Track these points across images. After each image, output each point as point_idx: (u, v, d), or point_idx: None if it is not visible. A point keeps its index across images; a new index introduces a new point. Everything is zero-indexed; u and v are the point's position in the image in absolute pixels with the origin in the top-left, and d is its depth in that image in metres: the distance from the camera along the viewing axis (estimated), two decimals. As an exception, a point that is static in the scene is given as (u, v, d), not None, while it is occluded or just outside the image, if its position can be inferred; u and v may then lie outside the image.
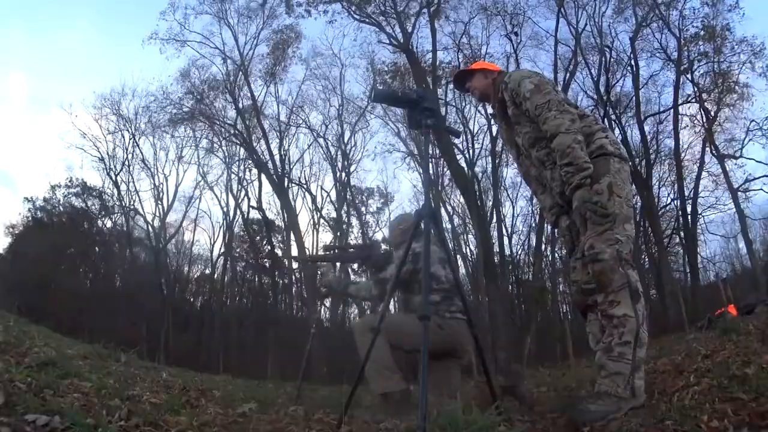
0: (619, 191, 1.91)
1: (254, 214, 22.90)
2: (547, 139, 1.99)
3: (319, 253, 3.30)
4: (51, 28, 37.00)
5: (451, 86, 15.62)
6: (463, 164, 15.63)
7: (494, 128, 16.03)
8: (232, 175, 22.36)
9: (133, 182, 22.38)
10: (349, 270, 10.78)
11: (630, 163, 2.16)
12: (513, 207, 21.89)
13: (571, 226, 2.09)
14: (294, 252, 21.85)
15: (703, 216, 19.45)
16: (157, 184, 22.63)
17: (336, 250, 3.16)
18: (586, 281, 1.91)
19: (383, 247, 3.00)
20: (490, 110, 2.40)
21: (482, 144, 18.89)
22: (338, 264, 3.05)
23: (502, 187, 19.77)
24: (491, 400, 2.09)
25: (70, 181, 22.91)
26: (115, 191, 22.28)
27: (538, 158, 2.12)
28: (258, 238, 23.36)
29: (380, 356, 2.30)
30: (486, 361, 2.28)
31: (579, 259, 1.99)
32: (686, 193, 17.77)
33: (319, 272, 3.08)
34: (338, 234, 21.69)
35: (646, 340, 1.78)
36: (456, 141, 14.87)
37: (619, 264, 1.82)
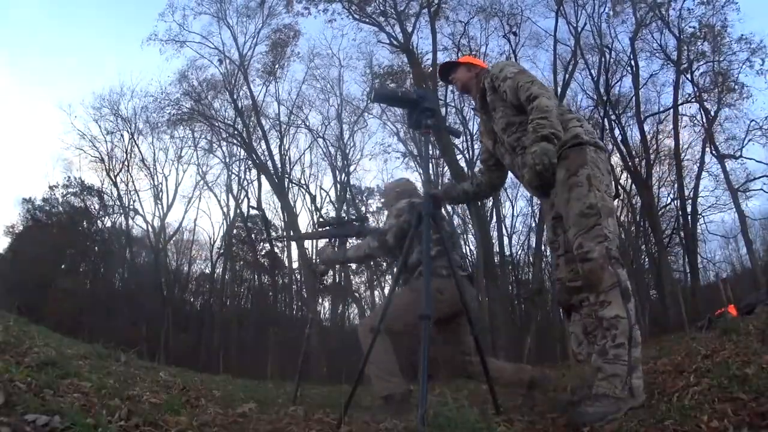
0: (599, 184, 1.86)
1: (254, 215, 22.97)
2: (517, 124, 2.00)
3: (315, 230, 3.29)
4: (50, 28, 36.98)
5: (451, 87, 15.60)
6: (463, 164, 15.62)
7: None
8: (232, 176, 22.42)
9: (132, 182, 22.37)
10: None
11: (607, 153, 2.09)
12: (513, 207, 21.87)
13: (555, 225, 2.03)
14: (294, 253, 21.94)
15: (703, 216, 19.51)
16: (156, 183, 22.65)
17: (329, 226, 3.14)
18: (570, 279, 1.87)
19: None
20: (473, 105, 2.43)
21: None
22: (336, 241, 3.04)
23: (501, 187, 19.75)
24: (492, 401, 2.10)
25: (68, 181, 22.94)
26: (115, 191, 22.29)
27: (510, 144, 2.10)
28: (253, 235, 23.38)
29: (384, 358, 2.28)
30: (486, 362, 2.29)
31: (562, 256, 1.95)
32: (686, 193, 17.80)
33: (315, 259, 3.12)
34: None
35: (639, 339, 1.75)
36: (456, 141, 14.88)
37: (609, 262, 1.77)
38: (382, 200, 3.12)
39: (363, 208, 23.85)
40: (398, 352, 2.39)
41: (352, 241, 3.05)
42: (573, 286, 1.86)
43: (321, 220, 3.39)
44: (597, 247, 1.78)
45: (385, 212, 2.74)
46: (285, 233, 22.73)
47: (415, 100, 2.00)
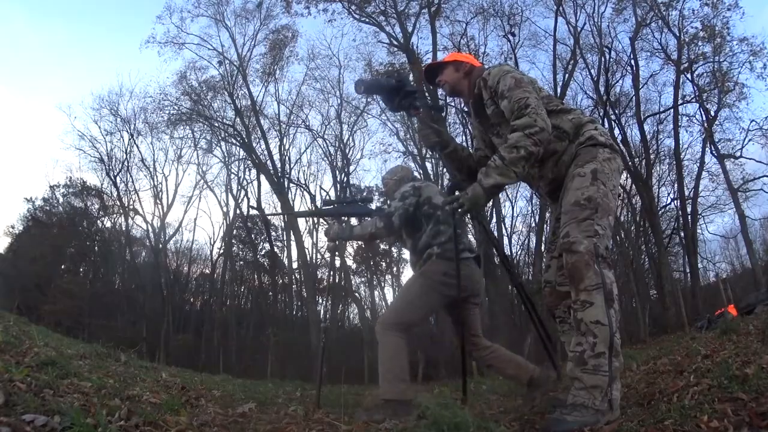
0: (606, 179, 1.77)
1: (253, 215, 22.96)
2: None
3: (320, 209, 3.27)
4: (48, 27, 36.96)
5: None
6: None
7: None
8: (232, 175, 22.42)
9: (132, 182, 22.37)
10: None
11: (621, 157, 1.98)
12: (512, 207, 21.88)
13: (557, 226, 1.92)
14: (294, 253, 21.93)
15: (703, 216, 19.52)
16: (156, 183, 22.65)
17: (335, 205, 3.12)
18: (560, 282, 1.76)
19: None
20: (464, 107, 2.26)
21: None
22: (343, 220, 3.05)
23: (501, 187, 19.74)
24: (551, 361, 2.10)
25: (69, 181, 22.95)
26: (115, 191, 22.28)
27: None
28: (253, 234, 23.37)
29: (396, 360, 2.26)
30: (541, 319, 2.39)
31: (556, 258, 1.85)
32: (686, 193, 17.81)
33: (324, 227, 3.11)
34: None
35: (620, 348, 1.64)
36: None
37: (595, 260, 1.65)
38: (384, 191, 3.13)
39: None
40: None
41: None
42: (563, 290, 1.75)
43: (327, 198, 3.39)
44: (585, 240, 1.67)
45: (389, 202, 2.75)
46: (285, 233, 22.78)
47: (395, 87, 2.06)
